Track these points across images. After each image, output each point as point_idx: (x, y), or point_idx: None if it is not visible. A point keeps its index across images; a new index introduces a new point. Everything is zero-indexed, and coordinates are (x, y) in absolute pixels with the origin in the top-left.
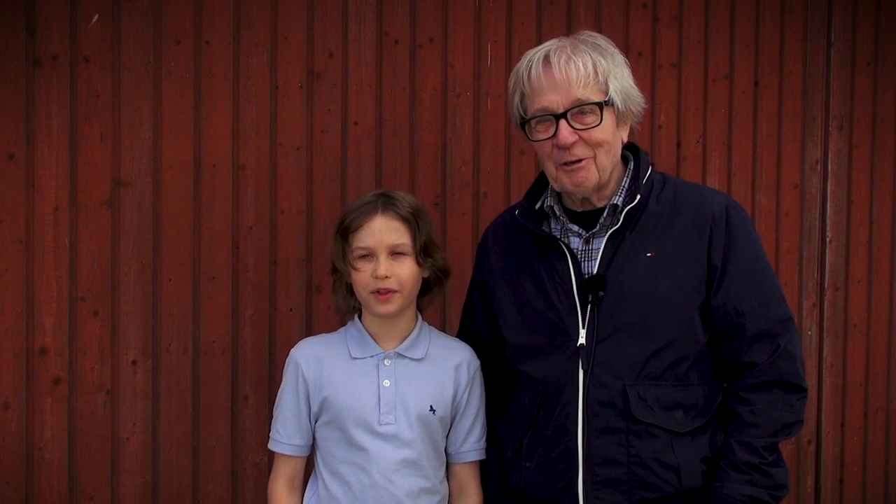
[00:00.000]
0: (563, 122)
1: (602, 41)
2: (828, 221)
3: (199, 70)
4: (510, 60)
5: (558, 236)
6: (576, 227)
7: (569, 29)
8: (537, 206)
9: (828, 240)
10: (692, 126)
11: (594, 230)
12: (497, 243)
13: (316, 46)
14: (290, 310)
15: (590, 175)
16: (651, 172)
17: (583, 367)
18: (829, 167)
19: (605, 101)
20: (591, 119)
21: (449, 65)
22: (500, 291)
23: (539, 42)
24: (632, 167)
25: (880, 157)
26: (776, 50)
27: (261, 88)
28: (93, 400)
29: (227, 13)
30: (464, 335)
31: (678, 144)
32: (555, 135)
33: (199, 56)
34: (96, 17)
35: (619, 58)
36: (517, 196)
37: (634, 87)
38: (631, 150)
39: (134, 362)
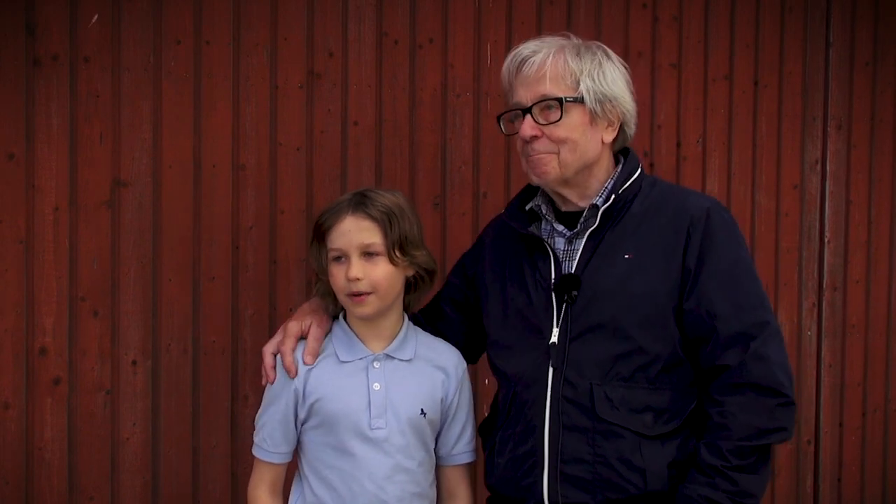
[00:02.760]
0: (527, 117)
1: (591, 44)
2: (826, 222)
3: (199, 70)
4: None
5: (545, 237)
6: (561, 227)
7: (569, 29)
8: (528, 207)
9: (826, 240)
10: (692, 126)
11: (576, 230)
12: (495, 240)
13: (316, 46)
14: (290, 310)
15: (550, 168)
16: (639, 176)
17: (553, 365)
18: (828, 167)
19: (567, 98)
20: (553, 115)
21: (449, 65)
22: (489, 287)
23: None
24: (619, 169)
25: (878, 158)
26: (776, 50)
27: (261, 88)
28: (93, 400)
29: (227, 13)
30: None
31: (678, 144)
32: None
33: (199, 56)
34: (96, 17)
35: (608, 63)
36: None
37: (625, 91)
38: (623, 154)
39: (134, 362)
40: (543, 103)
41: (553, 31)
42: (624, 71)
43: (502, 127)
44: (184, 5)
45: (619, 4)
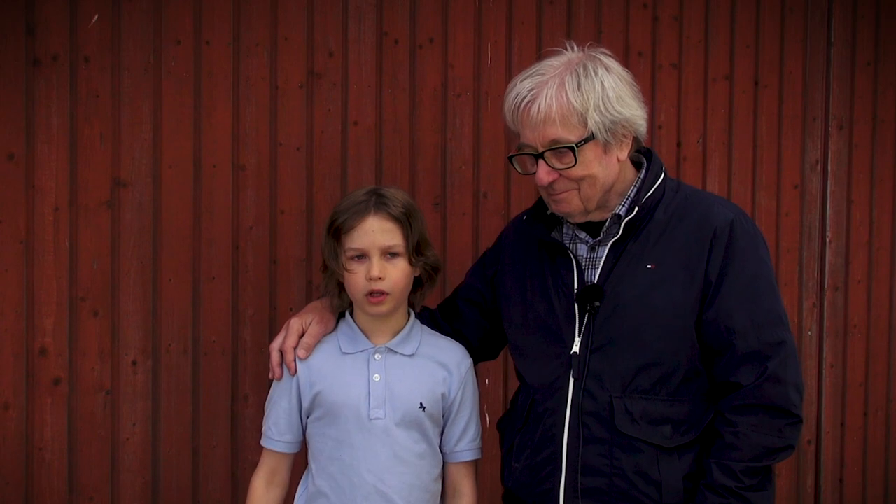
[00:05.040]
0: (541, 162)
1: (589, 63)
2: (828, 221)
3: (199, 70)
4: (510, 60)
5: (567, 242)
6: (583, 234)
7: (569, 29)
8: (549, 212)
9: (828, 240)
10: (692, 126)
11: (599, 238)
12: (515, 243)
13: (316, 46)
14: (290, 310)
15: (573, 206)
16: (663, 180)
17: (573, 376)
18: (829, 167)
19: (578, 143)
20: (567, 160)
21: (449, 65)
22: (509, 291)
23: (539, 43)
24: (641, 176)
25: (880, 158)
26: (776, 50)
27: (261, 88)
28: (93, 400)
29: (227, 13)
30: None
31: (678, 144)
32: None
33: (199, 56)
34: (96, 17)
35: (610, 79)
36: (517, 196)
37: (632, 102)
38: (646, 156)
39: (134, 362)
40: (555, 149)
41: (553, 31)
42: (625, 75)
43: (516, 167)
44: (184, 5)
45: (619, 4)
